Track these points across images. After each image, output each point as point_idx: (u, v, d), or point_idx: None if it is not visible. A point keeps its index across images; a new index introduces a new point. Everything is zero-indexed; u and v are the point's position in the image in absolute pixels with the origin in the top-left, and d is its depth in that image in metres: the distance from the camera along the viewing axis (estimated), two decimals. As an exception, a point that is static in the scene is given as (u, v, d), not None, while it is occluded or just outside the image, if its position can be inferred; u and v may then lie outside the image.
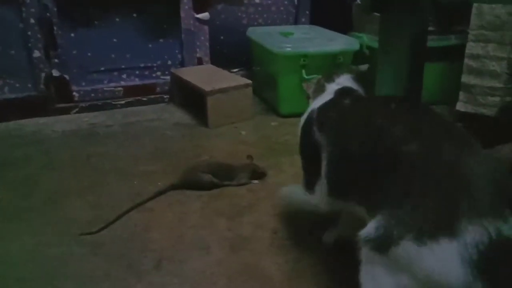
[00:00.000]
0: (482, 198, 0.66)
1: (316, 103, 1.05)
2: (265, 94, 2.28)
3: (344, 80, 1.08)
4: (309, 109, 1.07)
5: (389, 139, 0.78)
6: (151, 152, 1.73)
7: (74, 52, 2.14)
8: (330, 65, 2.04)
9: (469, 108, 1.92)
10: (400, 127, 0.78)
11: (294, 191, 1.17)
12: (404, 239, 0.67)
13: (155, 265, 1.08)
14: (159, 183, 1.47)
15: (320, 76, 1.15)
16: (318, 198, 1.00)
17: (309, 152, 1.02)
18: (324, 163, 0.93)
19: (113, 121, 2.06)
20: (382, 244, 0.70)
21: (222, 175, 1.45)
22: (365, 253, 0.74)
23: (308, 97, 1.15)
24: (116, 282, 1.03)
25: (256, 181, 1.48)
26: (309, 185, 1.03)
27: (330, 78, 1.09)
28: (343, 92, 1.03)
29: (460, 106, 1.95)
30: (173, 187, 1.42)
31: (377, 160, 0.78)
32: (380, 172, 0.77)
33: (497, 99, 1.83)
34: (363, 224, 0.80)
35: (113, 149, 1.76)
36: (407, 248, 0.67)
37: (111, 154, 1.71)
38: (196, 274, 1.05)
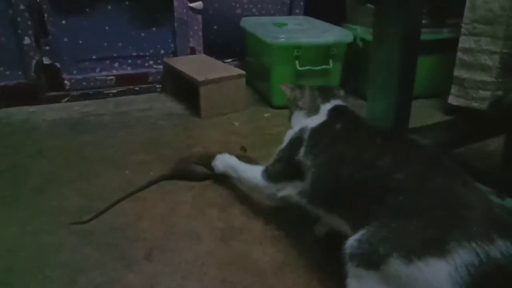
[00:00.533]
0: (471, 221, 0.68)
1: (309, 122, 1.07)
2: (258, 84, 2.27)
3: (337, 100, 1.12)
4: (301, 124, 1.09)
5: (378, 170, 0.83)
6: (142, 142, 1.72)
7: (65, 39, 2.11)
8: (323, 57, 2.04)
9: (461, 102, 1.94)
10: (390, 159, 0.83)
11: (237, 165, 1.26)
12: (391, 257, 0.68)
13: (146, 255, 1.08)
14: (151, 173, 1.46)
15: (309, 88, 1.16)
16: (279, 191, 1.10)
17: (289, 162, 1.06)
18: (308, 180, 0.99)
19: (104, 110, 2.04)
20: (370, 261, 0.72)
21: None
22: (352, 268, 0.75)
23: (293, 103, 1.17)
24: (108, 271, 1.03)
25: None
26: (275, 179, 1.11)
27: (326, 99, 1.11)
28: (334, 112, 1.08)
29: (451, 100, 1.96)
30: (165, 177, 1.42)
31: (365, 188, 0.83)
32: (368, 196, 0.81)
33: (488, 93, 1.85)
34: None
35: (104, 138, 1.75)
36: (395, 266, 0.68)
37: (102, 144, 1.70)
38: (187, 264, 1.06)
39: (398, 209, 0.74)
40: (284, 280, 1.01)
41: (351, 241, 0.76)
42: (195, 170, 1.42)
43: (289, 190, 1.07)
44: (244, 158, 1.46)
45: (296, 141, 1.06)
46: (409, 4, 1.03)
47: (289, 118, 1.20)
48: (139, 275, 1.02)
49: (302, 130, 1.07)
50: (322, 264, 1.06)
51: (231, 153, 1.49)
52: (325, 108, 1.09)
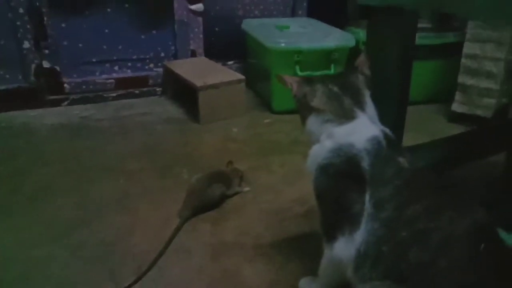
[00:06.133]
0: None
1: (352, 135, 0.77)
2: (259, 88, 2.25)
3: (372, 110, 0.83)
4: (335, 138, 0.79)
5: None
6: (140, 148, 1.71)
7: (65, 43, 2.10)
8: (324, 61, 2.00)
9: (465, 109, 1.90)
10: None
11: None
12: None
13: (136, 271, 1.07)
14: (146, 183, 1.45)
15: (322, 84, 0.84)
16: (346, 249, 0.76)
17: (343, 198, 0.76)
18: (361, 233, 0.73)
19: (104, 115, 2.04)
20: None
21: (226, 184, 1.35)
22: None
23: (304, 103, 0.85)
24: (96, 287, 1.02)
25: (248, 188, 1.42)
26: (334, 234, 0.78)
27: (359, 103, 0.81)
28: (385, 138, 0.77)
29: (455, 107, 1.92)
30: (188, 218, 1.26)
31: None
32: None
33: (493, 100, 1.80)
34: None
35: (102, 144, 1.74)
36: None
37: (100, 150, 1.69)
38: (176, 281, 1.04)
39: None
40: (273, 300, 1.00)
41: None
42: (215, 193, 1.30)
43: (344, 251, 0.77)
44: (233, 172, 1.43)
45: (350, 173, 0.75)
46: (403, 19, 1.00)
47: (303, 124, 0.87)
48: (127, 293, 1.01)
49: (348, 151, 0.76)
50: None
51: (226, 168, 1.44)
52: (366, 120, 0.80)
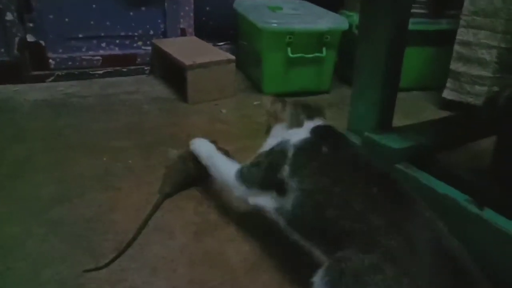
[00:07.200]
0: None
1: (291, 135, 1.00)
2: (250, 70, 2.21)
3: (321, 119, 1.06)
4: (282, 135, 1.03)
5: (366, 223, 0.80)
6: (125, 127, 1.67)
7: (51, 16, 2.03)
8: (316, 44, 1.97)
9: (456, 96, 1.88)
10: (382, 218, 0.79)
11: (213, 153, 1.18)
12: None
13: (115, 249, 1.04)
14: (129, 161, 1.42)
15: (292, 103, 1.09)
16: (252, 197, 1.03)
17: (267, 173, 0.99)
18: (289, 200, 0.93)
19: (89, 92, 1.98)
20: None
21: None
22: None
23: (274, 116, 1.09)
24: (74, 264, 0.99)
25: None
26: (249, 184, 1.03)
27: (310, 116, 1.04)
28: (319, 132, 1.00)
29: (446, 94, 1.91)
30: (169, 195, 1.24)
31: (347, 234, 0.81)
32: (343, 234, 0.81)
33: (484, 88, 1.79)
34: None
35: (86, 122, 1.70)
36: None
37: (83, 128, 1.65)
38: (157, 260, 1.02)
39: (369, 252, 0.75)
40: (256, 280, 0.98)
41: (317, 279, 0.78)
42: (192, 168, 1.25)
43: (264, 202, 1.00)
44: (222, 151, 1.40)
45: (279, 154, 0.98)
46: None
47: (267, 132, 1.11)
48: (105, 270, 0.98)
49: (284, 143, 0.99)
50: (296, 266, 1.02)
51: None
52: (309, 125, 1.02)
